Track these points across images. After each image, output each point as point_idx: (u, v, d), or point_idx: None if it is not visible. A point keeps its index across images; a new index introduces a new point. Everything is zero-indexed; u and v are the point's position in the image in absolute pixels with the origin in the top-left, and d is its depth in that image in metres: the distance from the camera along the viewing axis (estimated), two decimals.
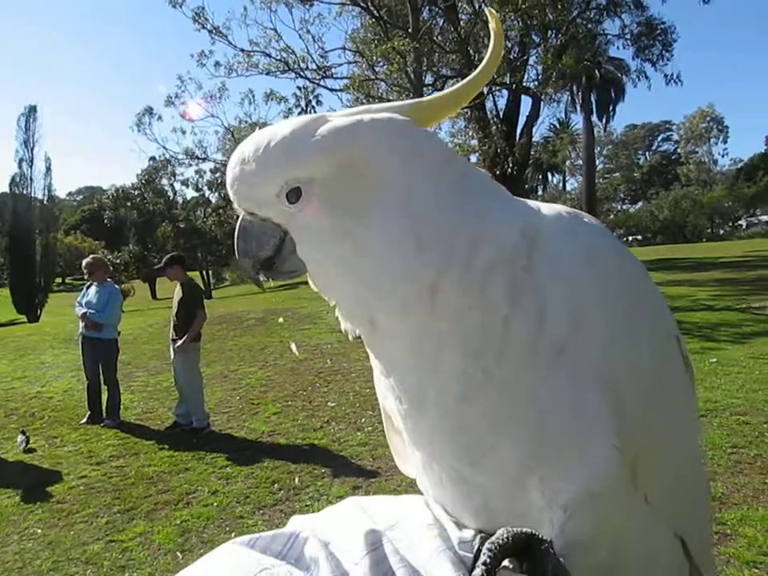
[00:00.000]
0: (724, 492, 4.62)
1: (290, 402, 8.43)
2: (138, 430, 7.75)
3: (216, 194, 44.37)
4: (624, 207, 65.64)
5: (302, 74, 21.29)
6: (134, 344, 14.33)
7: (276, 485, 5.58)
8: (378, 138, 0.78)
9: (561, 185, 67.27)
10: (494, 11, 0.91)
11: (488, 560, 0.73)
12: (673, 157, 65.74)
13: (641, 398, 0.79)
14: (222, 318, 17.12)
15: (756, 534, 3.97)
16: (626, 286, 0.85)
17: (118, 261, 43.21)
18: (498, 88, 24.24)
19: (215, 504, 5.26)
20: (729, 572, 3.58)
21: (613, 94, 44.50)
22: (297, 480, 5.60)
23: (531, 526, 0.79)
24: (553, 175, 64.27)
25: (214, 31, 19.65)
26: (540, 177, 58.29)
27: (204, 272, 43.08)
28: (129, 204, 45.97)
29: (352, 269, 0.78)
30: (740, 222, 56.87)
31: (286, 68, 20.84)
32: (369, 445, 6.34)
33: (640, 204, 63.16)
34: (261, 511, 5.07)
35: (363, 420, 7.20)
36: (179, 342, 7.41)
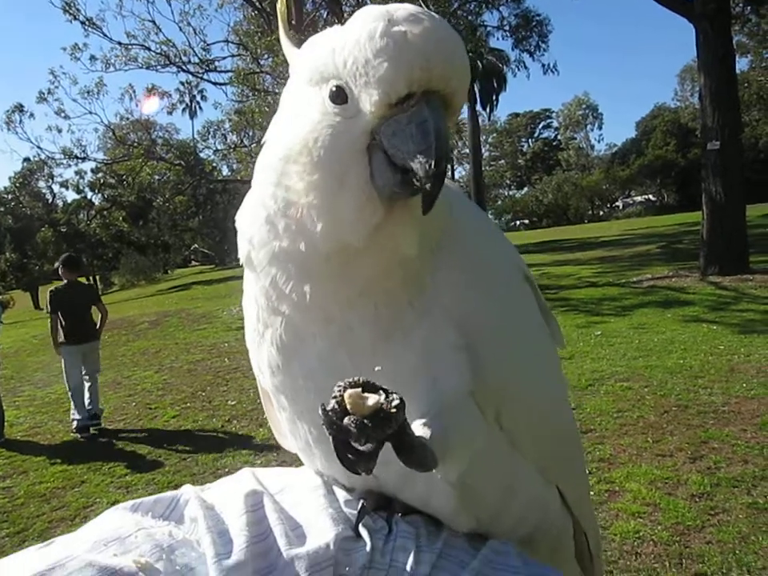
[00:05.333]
0: (612, 453, 4.94)
1: (188, 404, 8.21)
2: (26, 446, 7.27)
3: (99, 195, 42.40)
4: (510, 193, 68.05)
5: (184, 67, 20.74)
6: (17, 357, 13.53)
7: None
8: None
9: (450, 173, 68.87)
10: None
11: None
12: (554, 143, 68.62)
13: (494, 336, 0.83)
14: (112, 324, 16.37)
15: (640, 487, 4.28)
16: (480, 237, 0.90)
17: None
18: None
19: None
20: (617, 524, 3.84)
21: (495, 84, 45.94)
22: (200, 482, 5.49)
23: (400, 471, 0.81)
24: None
25: (87, 23, 18.72)
26: None
27: (91, 277, 41.04)
28: (2, 209, 43.10)
29: None
30: (617, 203, 60.25)
31: (167, 62, 20.21)
32: (272, 440, 6.26)
33: (525, 189, 65.64)
34: None
35: (265, 416, 7.11)
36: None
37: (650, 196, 54.95)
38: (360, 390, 0.69)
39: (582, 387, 6.75)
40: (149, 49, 19.79)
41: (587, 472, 1.16)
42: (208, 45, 21.42)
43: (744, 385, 6.18)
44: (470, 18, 26.62)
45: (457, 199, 0.90)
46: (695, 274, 13.07)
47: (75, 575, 0.66)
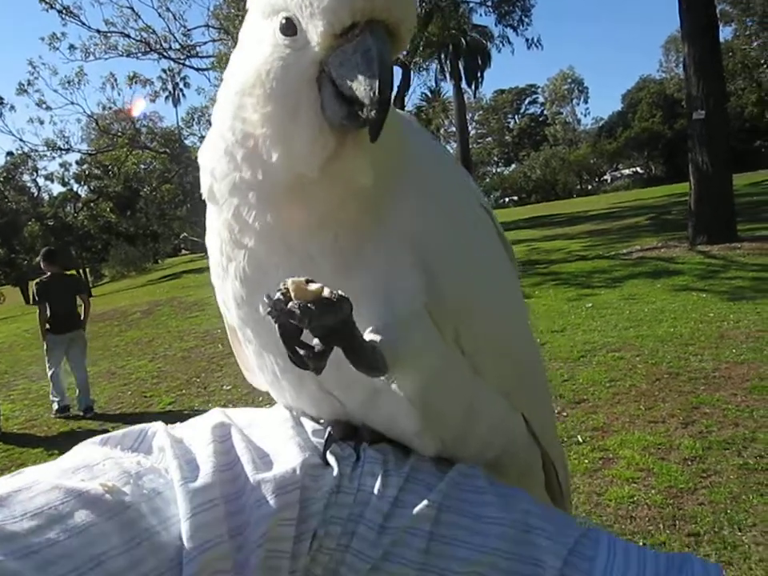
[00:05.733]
0: (605, 422, 5.00)
1: (184, 391, 8.24)
2: (23, 439, 7.29)
3: (85, 186, 42.04)
4: (498, 170, 68.05)
5: (165, 54, 20.49)
6: (10, 351, 13.51)
7: None
8: None
9: None
10: None
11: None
12: (540, 119, 68.51)
13: (449, 253, 0.85)
14: (104, 315, 16.40)
15: (633, 454, 4.34)
16: (434, 164, 0.91)
17: None
18: None
19: None
20: (612, 490, 3.90)
21: (480, 61, 45.77)
22: None
23: (363, 393, 0.86)
24: None
25: (64, 11, 18.45)
26: None
27: (80, 270, 40.82)
28: None
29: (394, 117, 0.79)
30: (605, 177, 60.32)
31: (148, 49, 19.97)
32: None
33: (513, 166, 65.63)
34: None
35: (261, 399, 7.17)
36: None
37: (638, 168, 55.03)
38: (304, 281, 0.71)
39: (575, 359, 6.81)
40: (128, 36, 19.56)
41: (554, 407, 1.18)
42: (188, 30, 21.13)
43: (733, 350, 6.26)
44: None
45: (410, 129, 0.91)
46: (684, 243, 13.14)
47: (41, 497, 0.67)
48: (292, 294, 0.70)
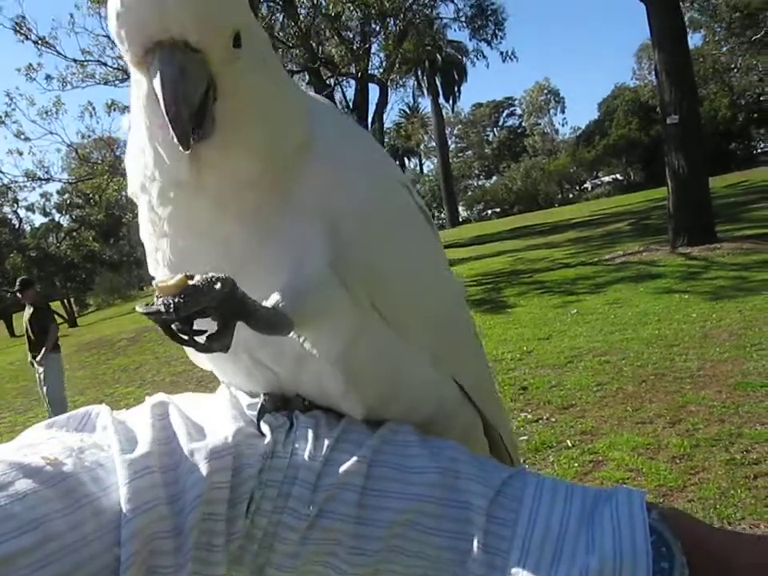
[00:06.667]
0: (594, 425, 5.04)
1: None
2: None
3: (67, 216, 41.85)
4: (480, 183, 68.28)
5: None
6: None
7: None
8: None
9: (418, 168, 69.09)
10: None
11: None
12: (518, 130, 68.94)
13: (357, 211, 0.87)
14: (91, 344, 16.29)
15: (623, 455, 4.37)
16: (349, 142, 0.94)
17: None
18: (344, 78, 24.50)
19: None
20: None
21: (456, 76, 46.23)
22: None
23: (291, 359, 0.90)
24: (409, 159, 65.94)
25: (39, 42, 18.42)
26: (397, 162, 59.35)
27: (65, 300, 40.48)
28: None
29: (278, 110, 0.83)
30: (586, 185, 60.75)
31: (126, 76, 19.91)
32: None
33: (494, 178, 65.87)
34: None
35: None
36: (40, 354, 7.79)
37: (617, 175, 55.42)
38: (169, 278, 0.74)
39: (562, 365, 6.85)
40: (105, 64, 19.52)
41: (490, 368, 1.18)
42: None
43: (717, 349, 6.32)
44: (425, 11, 26.74)
45: (322, 114, 0.94)
46: (665, 247, 13.26)
47: None
48: (156, 293, 0.73)
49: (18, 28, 18.23)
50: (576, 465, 4.37)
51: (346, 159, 0.89)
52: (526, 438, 4.97)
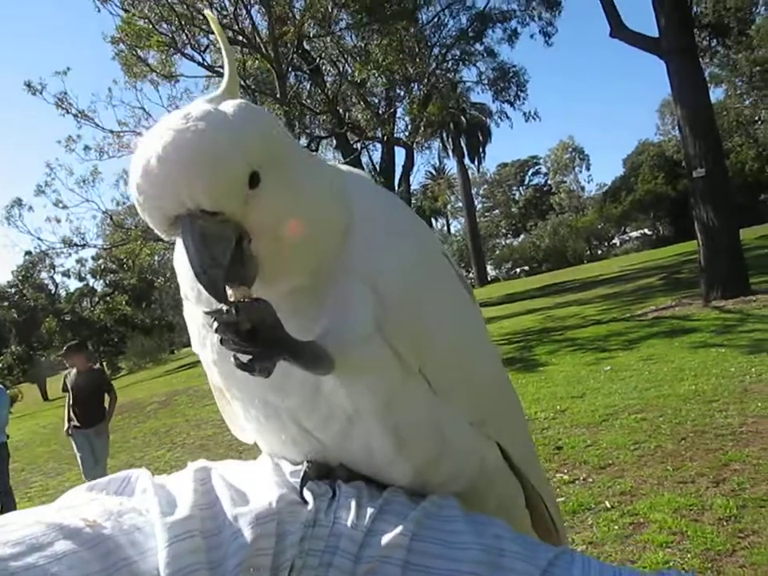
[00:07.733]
0: (633, 485, 4.85)
1: None
2: None
3: (101, 281, 42.79)
4: (508, 242, 68.53)
5: None
6: (27, 449, 13.46)
7: None
8: (274, 122, 0.85)
9: (445, 228, 69.65)
10: (211, 15, 1.04)
11: None
12: (545, 188, 69.45)
13: (401, 275, 0.88)
14: (122, 408, 16.28)
15: (665, 517, 4.18)
16: (388, 213, 0.96)
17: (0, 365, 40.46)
18: (370, 142, 25.07)
19: None
20: (646, 556, 3.74)
21: (480, 137, 47.00)
22: None
23: (338, 424, 0.89)
24: (436, 220, 66.50)
25: (79, 115, 19.27)
26: None
27: (98, 363, 40.95)
28: (6, 303, 43.45)
29: (314, 214, 0.83)
30: (614, 241, 60.62)
31: None
32: None
33: (522, 236, 66.11)
34: None
35: None
36: (102, 423, 7.65)
37: (646, 230, 55.30)
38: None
39: (597, 423, 6.67)
40: (140, 134, 20.18)
41: (533, 438, 1.19)
42: None
43: (759, 404, 6.10)
44: (449, 75, 27.49)
45: (359, 187, 0.96)
46: (698, 300, 13.05)
47: (23, 530, 0.68)
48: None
49: (59, 103, 19.09)
50: (616, 527, 4.18)
51: (386, 231, 0.91)
52: (563, 499, 4.80)
